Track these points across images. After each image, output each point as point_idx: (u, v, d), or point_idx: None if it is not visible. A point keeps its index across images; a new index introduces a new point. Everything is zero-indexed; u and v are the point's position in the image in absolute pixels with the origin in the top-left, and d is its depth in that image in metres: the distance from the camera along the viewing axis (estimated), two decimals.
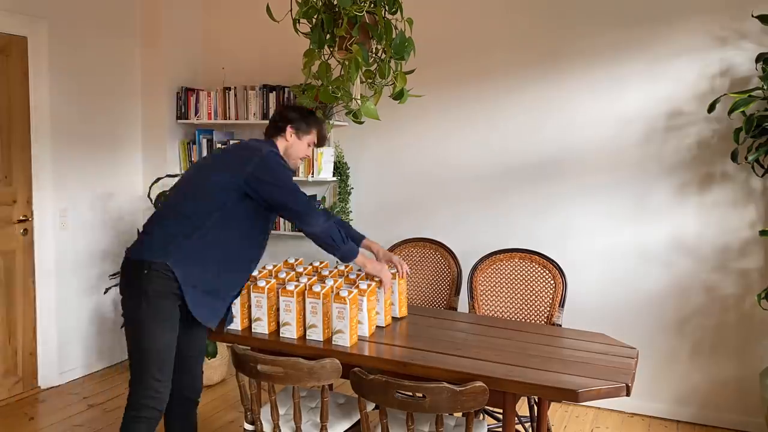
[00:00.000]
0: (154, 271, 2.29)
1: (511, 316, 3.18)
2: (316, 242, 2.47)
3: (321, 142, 2.75)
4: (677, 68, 3.52)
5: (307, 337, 2.47)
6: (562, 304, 3.07)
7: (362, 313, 2.50)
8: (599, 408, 3.83)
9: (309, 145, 2.69)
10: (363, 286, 2.51)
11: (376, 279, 2.66)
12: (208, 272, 2.37)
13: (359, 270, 2.81)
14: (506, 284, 3.23)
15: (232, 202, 2.39)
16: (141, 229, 2.49)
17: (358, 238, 2.80)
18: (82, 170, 4.19)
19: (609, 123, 3.69)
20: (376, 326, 2.65)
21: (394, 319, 2.78)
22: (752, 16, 3.29)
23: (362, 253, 2.61)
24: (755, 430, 3.46)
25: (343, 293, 2.38)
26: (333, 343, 2.41)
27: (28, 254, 3.91)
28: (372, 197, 4.36)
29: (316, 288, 2.41)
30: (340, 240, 2.48)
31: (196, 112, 4.58)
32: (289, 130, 2.62)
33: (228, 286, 2.45)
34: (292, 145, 2.64)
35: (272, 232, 4.39)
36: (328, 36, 2.75)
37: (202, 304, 2.36)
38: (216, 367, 4.10)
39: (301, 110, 2.70)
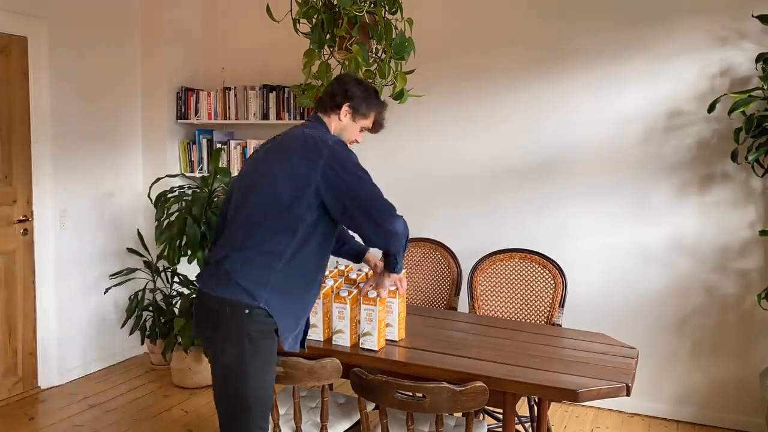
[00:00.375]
0: (255, 310, 2.00)
1: (511, 316, 3.18)
2: (387, 244, 2.13)
3: (376, 128, 2.37)
4: (677, 68, 3.52)
5: (307, 337, 2.46)
6: (562, 304, 3.07)
7: (372, 324, 2.36)
8: (599, 408, 3.83)
9: (361, 131, 2.31)
10: (363, 285, 2.50)
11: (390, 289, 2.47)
12: (297, 303, 2.10)
13: (359, 270, 2.81)
14: (506, 284, 3.23)
15: (311, 217, 2.04)
16: (214, 258, 2.11)
17: (364, 250, 2.53)
18: (82, 170, 4.19)
19: (609, 123, 3.69)
20: None
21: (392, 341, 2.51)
22: (752, 16, 3.29)
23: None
24: (755, 430, 3.46)
25: (343, 293, 2.38)
26: (333, 342, 2.41)
27: (28, 254, 3.90)
28: None
29: None
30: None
31: (196, 112, 4.59)
32: (345, 108, 2.22)
33: (308, 310, 2.18)
34: (345, 127, 2.24)
35: None
36: (328, 36, 2.76)
37: (289, 336, 2.10)
38: None
39: (366, 87, 2.26)
